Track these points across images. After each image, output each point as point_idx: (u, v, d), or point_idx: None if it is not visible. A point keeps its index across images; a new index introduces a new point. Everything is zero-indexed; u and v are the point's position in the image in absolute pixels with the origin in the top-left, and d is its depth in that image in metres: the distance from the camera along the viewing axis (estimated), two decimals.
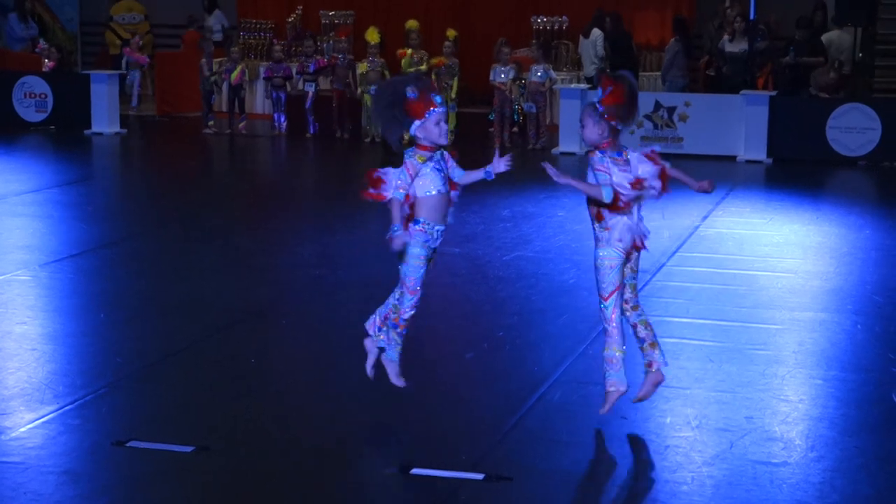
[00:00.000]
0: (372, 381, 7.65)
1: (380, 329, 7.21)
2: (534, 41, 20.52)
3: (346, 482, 6.30)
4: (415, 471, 6.33)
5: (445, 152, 6.97)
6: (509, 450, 6.69)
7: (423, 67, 18.79)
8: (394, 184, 6.81)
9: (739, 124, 17.62)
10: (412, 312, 7.02)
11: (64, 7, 24.27)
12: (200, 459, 6.49)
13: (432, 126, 6.79)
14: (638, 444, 6.74)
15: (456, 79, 18.78)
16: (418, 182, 6.81)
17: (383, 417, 7.34)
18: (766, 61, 19.20)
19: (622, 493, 6.12)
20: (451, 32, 19.59)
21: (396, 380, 7.20)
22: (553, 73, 18.81)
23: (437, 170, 6.84)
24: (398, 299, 7.06)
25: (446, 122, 6.88)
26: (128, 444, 6.63)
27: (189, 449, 6.56)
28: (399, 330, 7.08)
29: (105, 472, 6.38)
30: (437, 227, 6.89)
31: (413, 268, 6.91)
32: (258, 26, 22.71)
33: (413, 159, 6.79)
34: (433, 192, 6.84)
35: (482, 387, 7.63)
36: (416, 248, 6.89)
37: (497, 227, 12.58)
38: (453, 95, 18.53)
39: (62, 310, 9.60)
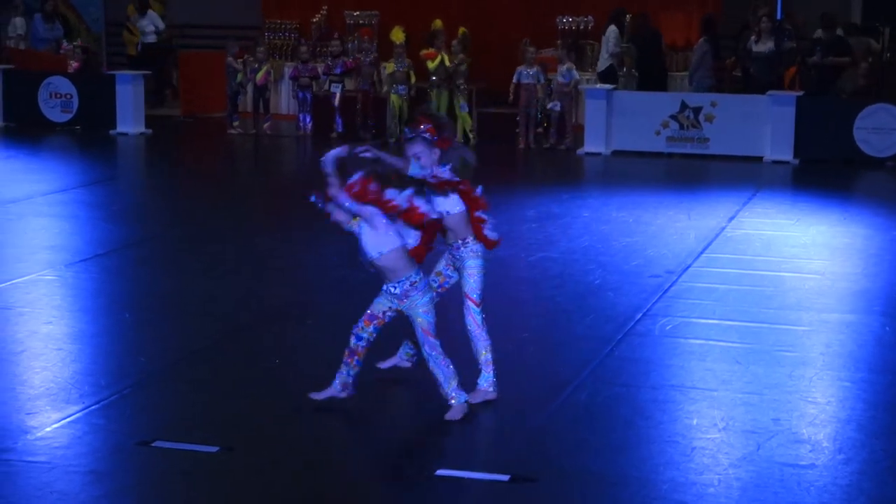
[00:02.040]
0: (398, 381, 7.65)
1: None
2: (559, 41, 20.46)
3: (371, 483, 6.29)
4: (440, 472, 6.30)
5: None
6: (535, 451, 6.66)
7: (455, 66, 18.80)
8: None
9: (766, 125, 17.52)
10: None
11: (89, 8, 24.33)
12: (225, 459, 6.49)
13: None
14: (664, 446, 6.71)
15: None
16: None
17: (408, 419, 7.32)
18: (792, 61, 19.10)
19: (649, 495, 6.09)
20: (461, 30, 19.69)
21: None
22: (576, 73, 18.76)
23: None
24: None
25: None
26: (152, 444, 6.63)
27: (214, 449, 6.56)
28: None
29: (130, 472, 6.38)
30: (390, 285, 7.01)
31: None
32: (283, 27, 22.73)
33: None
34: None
35: (508, 388, 7.59)
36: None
37: (522, 228, 12.54)
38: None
39: (87, 309, 9.62)
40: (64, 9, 23.65)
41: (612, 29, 19.50)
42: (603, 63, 19.60)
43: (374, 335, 7.12)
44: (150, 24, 22.69)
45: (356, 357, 7.14)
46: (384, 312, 7.08)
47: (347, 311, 9.43)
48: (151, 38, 22.64)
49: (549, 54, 19.83)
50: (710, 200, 14.25)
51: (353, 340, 7.14)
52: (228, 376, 7.86)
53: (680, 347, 8.55)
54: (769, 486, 6.16)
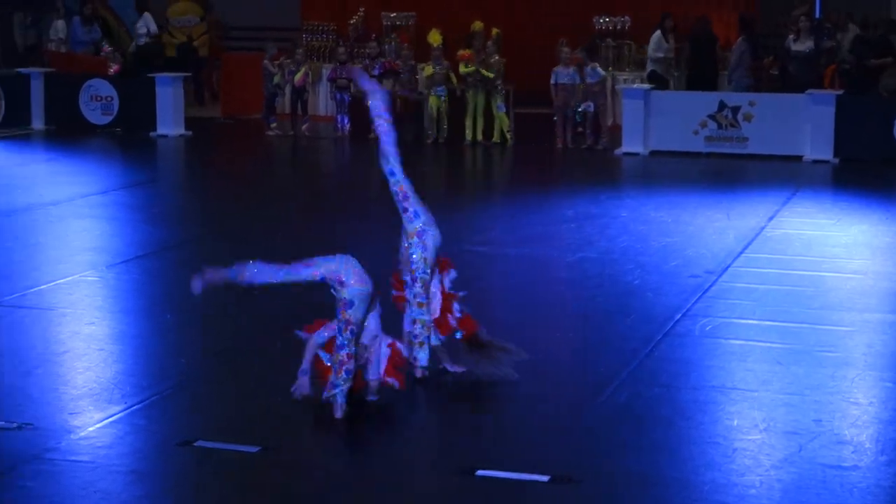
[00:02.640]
0: (438, 382, 7.67)
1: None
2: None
3: (412, 483, 6.30)
4: (480, 472, 6.31)
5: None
6: (574, 451, 6.66)
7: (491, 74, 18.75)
8: None
9: (805, 124, 17.40)
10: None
11: (128, 10, 24.46)
12: (266, 460, 6.52)
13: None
14: (705, 447, 6.68)
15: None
16: None
17: (448, 419, 7.32)
18: (831, 60, 18.98)
19: (689, 496, 6.07)
20: (494, 31, 19.69)
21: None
22: (601, 71, 18.69)
23: None
24: None
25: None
26: (194, 445, 6.67)
27: (255, 449, 6.59)
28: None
29: (171, 472, 6.42)
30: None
31: None
32: (321, 28, 22.78)
33: None
34: None
35: (548, 388, 7.60)
36: None
37: (560, 228, 12.53)
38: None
39: (129, 310, 9.68)
40: (103, 11, 23.79)
41: (656, 34, 19.49)
42: (648, 66, 19.62)
43: (352, 339, 7.18)
44: (144, 27, 22.77)
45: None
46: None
47: (387, 311, 9.46)
48: (142, 41, 22.71)
49: (576, 55, 19.77)
50: (749, 200, 14.18)
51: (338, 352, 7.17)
52: (270, 377, 7.89)
53: (720, 348, 8.52)
54: (811, 488, 6.13)
